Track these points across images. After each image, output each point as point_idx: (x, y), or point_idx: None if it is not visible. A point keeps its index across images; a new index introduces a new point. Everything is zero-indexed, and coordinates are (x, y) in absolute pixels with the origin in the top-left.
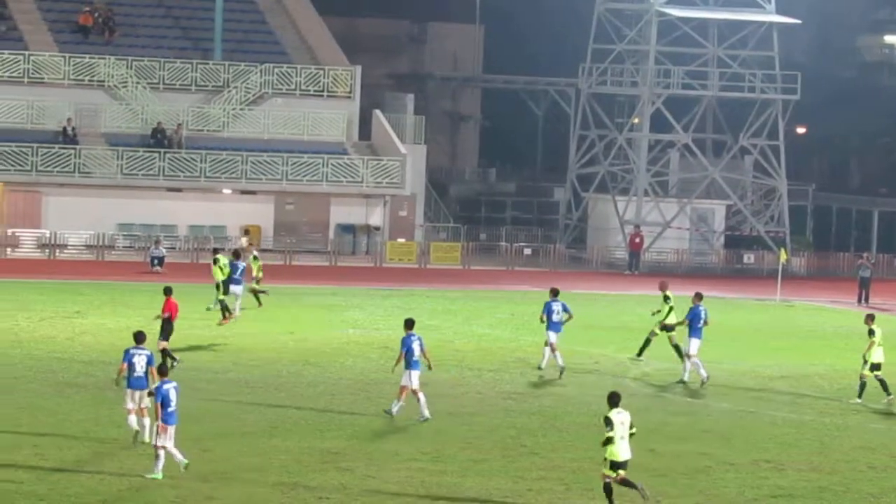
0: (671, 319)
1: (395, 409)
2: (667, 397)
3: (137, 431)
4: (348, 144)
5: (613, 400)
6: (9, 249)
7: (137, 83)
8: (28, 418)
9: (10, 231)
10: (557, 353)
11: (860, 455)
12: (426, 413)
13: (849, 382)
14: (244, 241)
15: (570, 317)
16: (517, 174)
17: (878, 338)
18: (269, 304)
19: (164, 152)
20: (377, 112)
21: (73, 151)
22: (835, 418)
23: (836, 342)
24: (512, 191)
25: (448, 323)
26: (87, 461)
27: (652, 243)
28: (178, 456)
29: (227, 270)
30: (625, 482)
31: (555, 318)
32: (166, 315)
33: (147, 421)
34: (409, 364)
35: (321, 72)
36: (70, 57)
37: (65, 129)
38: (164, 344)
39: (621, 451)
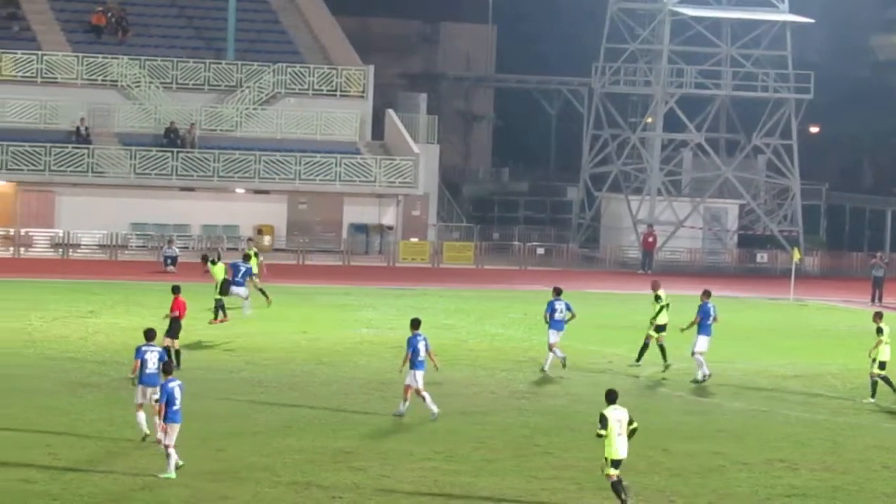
0: (662, 319)
1: (402, 410)
2: (680, 396)
3: (147, 434)
4: (361, 144)
5: (610, 397)
6: (22, 249)
7: (150, 83)
8: (41, 418)
9: (23, 231)
10: (556, 349)
11: (874, 454)
12: (434, 409)
13: (862, 382)
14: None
15: (573, 316)
16: (530, 174)
17: (885, 336)
18: (281, 304)
19: (177, 152)
20: (390, 112)
21: (86, 151)
22: (848, 417)
23: (849, 341)
24: (525, 190)
25: (461, 322)
26: (100, 460)
27: (665, 243)
28: (173, 465)
29: (222, 275)
30: (616, 488)
31: (557, 316)
32: (175, 314)
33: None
34: (414, 364)
35: (334, 71)
36: (83, 57)
37: (78, 128)
38: (168, 342)
39: (619, 448)
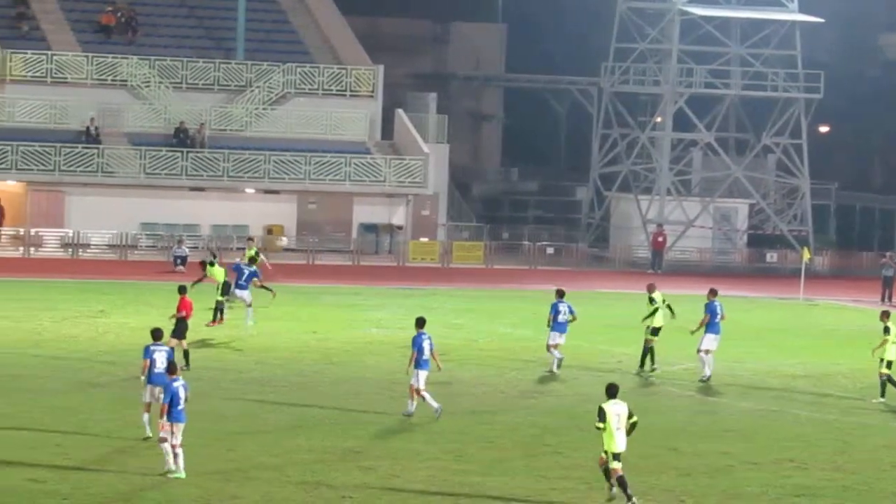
0: (658, 322)
1: (411, 409)
2: (689, 396)
3: (149, 437)
4: (371, 144)
5: (610, 391)
6: (32, 249)
7: (160, 83)
8: (50, 417)
9: (33, 231)
10: (555, 350)
11: (883, 454)
12: (435, 405)
13: (872, 381)
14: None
15: (574, 318)
16: (540, 173)
17: (892, 335)
18: (291, 304)
19: (187, 152)
20: (400, 111)
21: (95, 151)
22: (858, 417)
23: (859, 341)
24: (534, 190)
25: (470, 322)
26: (110, 460)
27: (675, 242)
28: (169, 458)
29: (222, 276)
30: (606, 473)
31: (560, 318)
32: (181, 314)
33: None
34: (418, 363)
35: (344, 71)
36: (93, 57)
37: (88, 128)
38: (175, 342)
39: (618, 442)
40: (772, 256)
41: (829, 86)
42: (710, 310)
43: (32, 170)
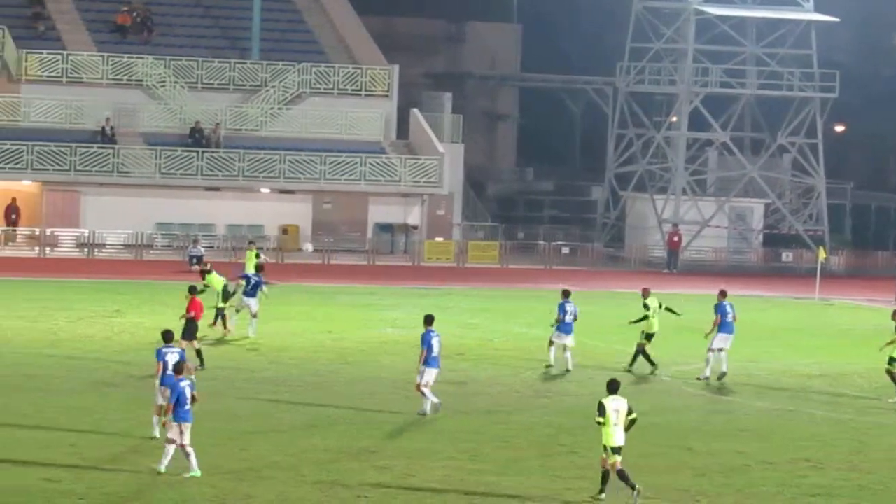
0: (654, 328)
1: (426, 408)
2: (704, 396)
3: (155, 437)
4: (386, 143)
5: (611, 387)
6: (48, 249)
7: (175, 83)
8: (66, 417)
9: (49, 230)
10: (553, 348)
11: None
12: (435, 400)
13: (888, 381)
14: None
15: (575, 319)
16: (555, 173)
17: None
18: (306, 303)
19: (203, 152)
20: (415, 111)
21: (111, 151)
22: (873, 417)
23: (874, 341)
24: (550, 189)
25: (486, 322)
26: (125, 459)
27: (690, 242)
28: (166, 460)
29: (220, 282)
30: (606, 476)
31: (567, 318)
32: (190, 315)
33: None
34: (427, 361)
35: (359, 71)
36: (108, 56)
37: (103, 128)
38: (185, 343)
39: (615, 436)
40: (787, 256)
41: (844, 85)
42: (720, 311)
43: (48, 170)
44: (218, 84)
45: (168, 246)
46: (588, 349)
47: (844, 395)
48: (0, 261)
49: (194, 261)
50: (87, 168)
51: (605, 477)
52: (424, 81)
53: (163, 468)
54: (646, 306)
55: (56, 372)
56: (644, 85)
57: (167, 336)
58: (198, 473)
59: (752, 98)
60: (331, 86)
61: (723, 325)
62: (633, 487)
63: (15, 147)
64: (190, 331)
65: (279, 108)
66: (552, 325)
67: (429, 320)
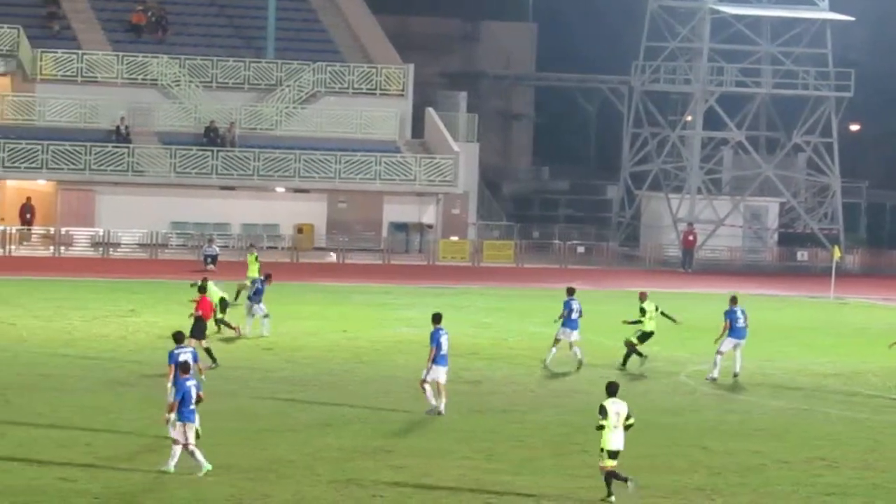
0: (648, 327)
1: (441, 407)
2: (719, 395)
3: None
4: (401, 143)
5: (610, 389)
6: (63, 248)
7: (190, 82)
8: (81, 416)
9: (63, 230)
10: (555, 348)
11: None
12: (433, 403)
13: None
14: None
15: (581, 315)
16: (570, 172)
17: None
18: (321, 303)
19: (217, 151)
20: (430, 110)
21: (126, 150)
22: (889, 416)
23: (889, 339)
24: (565, 189)
25: (501, 321)
26: (140, 458)
27: (705, 241)
28: (174, 460)
29: (217, 294)
30: (610, 475)
31: (574, 315)
32: (198, 313)
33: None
34: (436, 359)
35: (374, 70)
36: (123, 56)
37: (118, 127)
38: (195, 343)
39: (613, 440)
40: (802, 255)
41: (859, 84)
42: (730, 317)
43: (63, 169)
44: (233, 83)
45: (183, 245)
46: (602, 348)
47: (859, 394)
48: (15, 260)
49: (209, 260)
50: (101, 167)
51: (610, 475)
52: (439, 80)
53: (171, 468)
54: (642, 310)
55: (71, 371)
56: (659, 84)
57: (178, 337)
58: (209, 466)
59: (767, 97)
60: (346, 85)
61: (733, 331)
62: (625, 480)
63: (30, 146)
64: (199, 329)
65: (294, 108)
66: (556, 321)
67: (437, 318)
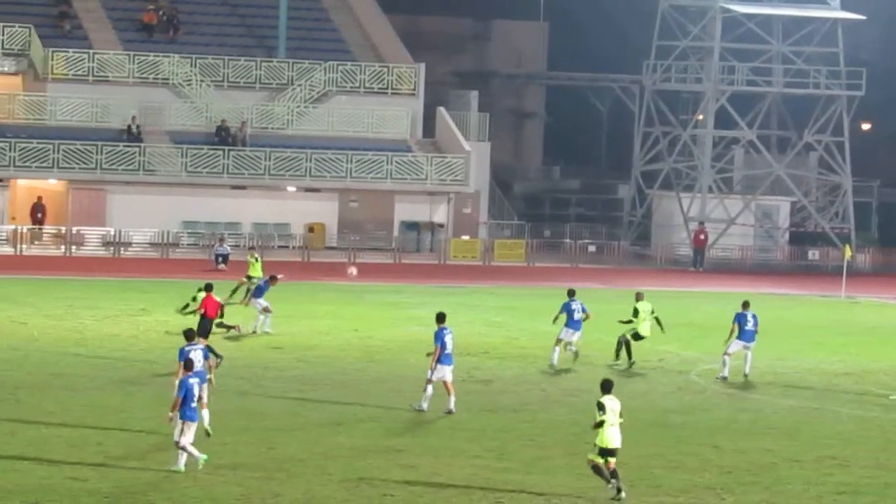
0: (644, 331)
1: (451, 406)
2: (730, 394)
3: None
4: (412, 142)
5: (606, 386)
6: (74, 247)
7: (201, 81)
8: (92, 416)
9: (75, 229)
10: (558, 348)
11: None
12: (424, 405)
13: None
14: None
15: (588, 316)
16: (581, 171)
17: None
18: (333, 302)
19: (229, 150)
20: (441, 109)
21: (137, 149)
22: None
23: None
24: (576, 188)
25: (512, 320)
26: (151, 458)
27: (716, 240)
28: (182, 459)
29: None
30: (613, 474)
31: (576, 316)
32: (201, 311)
33: (206, 412)
34: (441, 358)
35: (385, 69)
36: (134, 55)
37: (129, 127)
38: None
39: (611, 437)
40: (813, 254)
41: (871, 83)
42: (738, 320)
43: (74, 168)
44: (244, 82)
45: (194, 244)
46: (611, 347)
47: (870, 393)
48: (26, 259)
49: (220, 259)
50: (113, 167)
51: (613, 474)
52: (451, 80)
53: (181, 467)
54: (635, 311)
55: (82, 370)
56: (670, 83)
57: (189, 334)
58: (181, 469)
59: (778, 96)
60: (357, 84)
61: (742, 334)
62: (607, 481)
63: (41, 146)
64: (203, 328)
65: (305, 107)
66: (553, 323)
67: (441, 318)
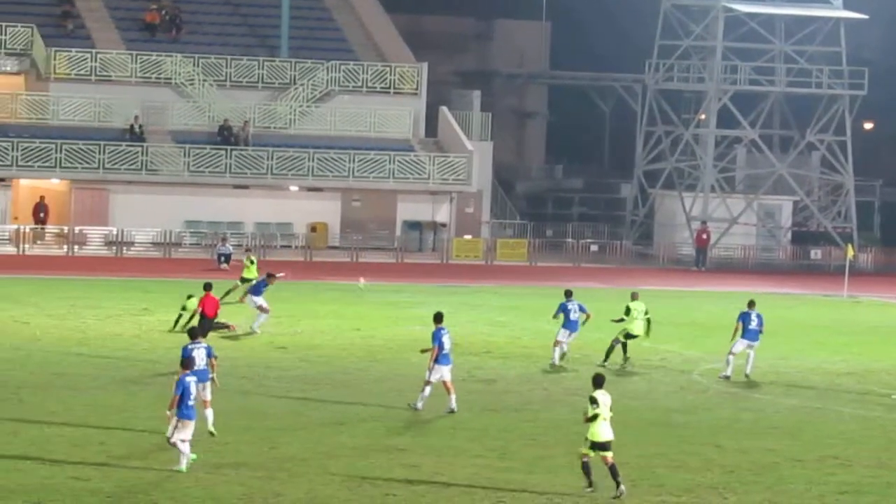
0: (636, 330)
1: (453, 405)
2: (733, 393)
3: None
4: (415, 141)
5: (598, 381)
6: (76, 247)
7: (204, 80)
8: (94, 415)
9: (77, 229)
10: (558, 348)
11: None
12: (419, 405)
13: None
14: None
15: (588, 316)
16: (584, 171)
17: None
18: (335, 301)
19: (231, 150)
20: (443, 109)
21: (140, 149)
22: None
23: None
24: (578, 187)
25: (514, 320)
26: (154, 457)
27: (719, 239)
28: (185, 458)
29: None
30: (612, 469)
31: (572, 316)
32: (199, 310)
33: (210, 412)
34: (438, 358)
35: (388, 69)
36: (137, 55)
37: (132, 126)
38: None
39: (603, 431)
40: (816, 253)
41: (873, 82)
42: (742, 319)
43: (77, 168)
44: (247, 82)
45: (196, 244)
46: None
47: (873, 393)
48: (29, 259)
49: (222, 259)
50: (115, 166)
51: (612, 469)
52: (453, 79)
53: (184, 467)
54: (627, 309)
55: (84, 370)
56: (673, 82)
57: (192, 333)
58: (183, 469)
59: (780, 95)
60: (359, 84)
61: (745, 332)
62: (589, 484)
63: (44, 145)
64: (202, 327)
65: (308, 106)
66: (554, 318)
67: (438, 318)
